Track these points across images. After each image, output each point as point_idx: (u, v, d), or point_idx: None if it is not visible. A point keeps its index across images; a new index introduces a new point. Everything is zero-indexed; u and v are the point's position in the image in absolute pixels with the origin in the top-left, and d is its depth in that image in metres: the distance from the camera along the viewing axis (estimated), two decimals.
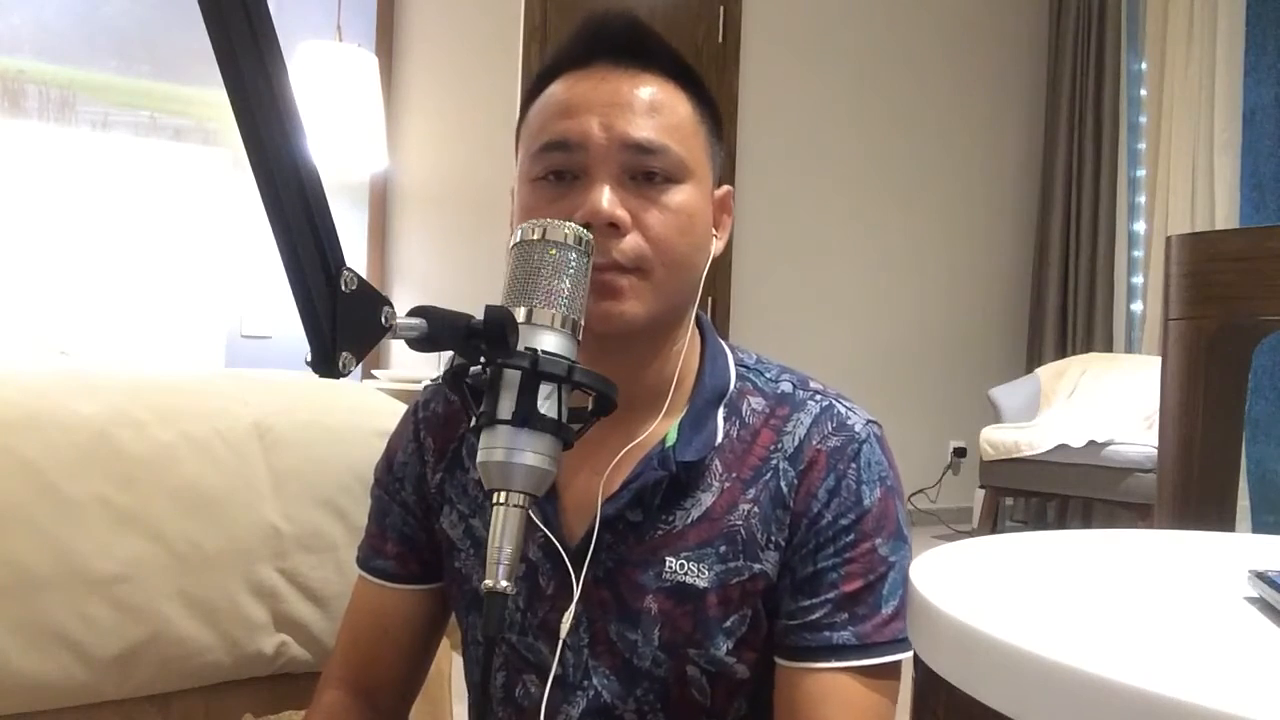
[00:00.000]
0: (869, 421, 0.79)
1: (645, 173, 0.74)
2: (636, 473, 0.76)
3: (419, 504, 0.85)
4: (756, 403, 0.80)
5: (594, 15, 0.79)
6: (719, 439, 0.77)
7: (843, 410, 0.79)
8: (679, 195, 0.75)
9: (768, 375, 0.82)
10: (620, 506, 0.75)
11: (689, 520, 0.75)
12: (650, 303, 0.75)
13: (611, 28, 0.77)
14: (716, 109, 0.81)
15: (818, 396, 0.80)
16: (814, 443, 0.77)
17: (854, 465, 0.76)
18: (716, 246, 0.81)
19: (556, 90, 0.77)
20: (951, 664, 0.54)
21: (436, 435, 0.85)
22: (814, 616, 0.73)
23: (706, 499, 0.76)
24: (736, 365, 0.82)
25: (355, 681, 0.86)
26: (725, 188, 0.83)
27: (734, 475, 0.76)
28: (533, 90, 0.80)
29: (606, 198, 0.72)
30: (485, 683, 0.58)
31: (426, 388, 0.90)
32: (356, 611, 0.88)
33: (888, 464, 0.78)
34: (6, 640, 0.81)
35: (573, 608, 0.75)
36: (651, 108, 0.75)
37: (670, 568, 0.75)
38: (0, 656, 0.80)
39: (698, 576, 0.74)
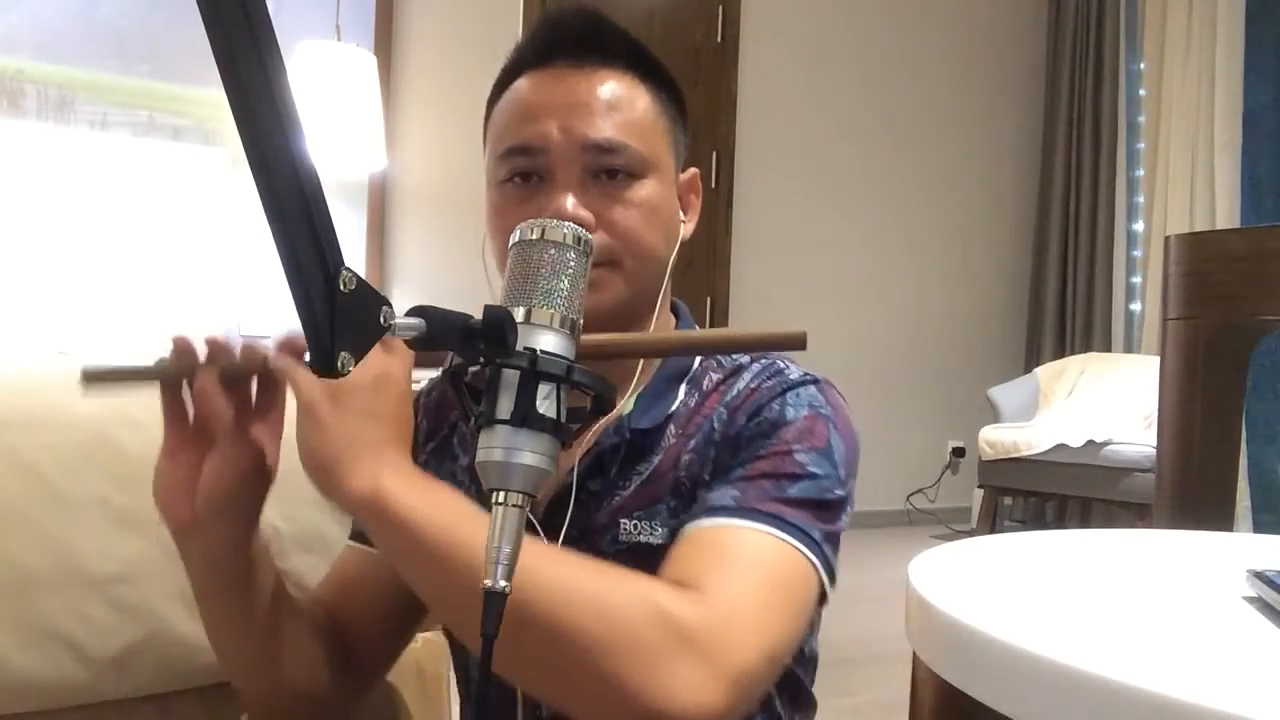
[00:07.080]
0: (809, 373, 0.80)
1: (608, 170, 0.76)
2: (595, 443, 0.78)
3: None
4: (715, 376, 0.82)
5: (551, 12, 0.79)
6: (674, 406, 0.79)
7: (783, 365, 0.80)
8: (642, 190, 0.77)
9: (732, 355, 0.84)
10: (579, 475, 0.77)
11: (640, 482, 0.77)
12: (620, 291, 0.77)
13: (568, 24, 0.79)
14: (678, 93, 0.83)
15: (765, 361, 0.81)
16: (749, 388, 0.78)
17: (782, 396, 0.76)
18: (686, 229, 0.84)
19: (517, 92, 0.79)
20: (950, 663, 0.54)
21: (430, 418, 0.89)
22: (707, 500, 0.72)
23: (656, 459, 0.77)
24: None
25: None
26: (692, 171, 0.85)
27: (681, 433, 0.78)
28: (496, 90, 0.82)
29: (569, 201, 0.74)
30: (485, 681, 0.58)
31: (431, 380, 0.92)
32: (330, 579, 0.85)
33: (826, 401, 0.77)
34: (5, 640, 0.81)
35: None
36: (610, 105, 0.76)
37: (625, 529, 0.76)
38: None
39: (651, 534, 0.75)
